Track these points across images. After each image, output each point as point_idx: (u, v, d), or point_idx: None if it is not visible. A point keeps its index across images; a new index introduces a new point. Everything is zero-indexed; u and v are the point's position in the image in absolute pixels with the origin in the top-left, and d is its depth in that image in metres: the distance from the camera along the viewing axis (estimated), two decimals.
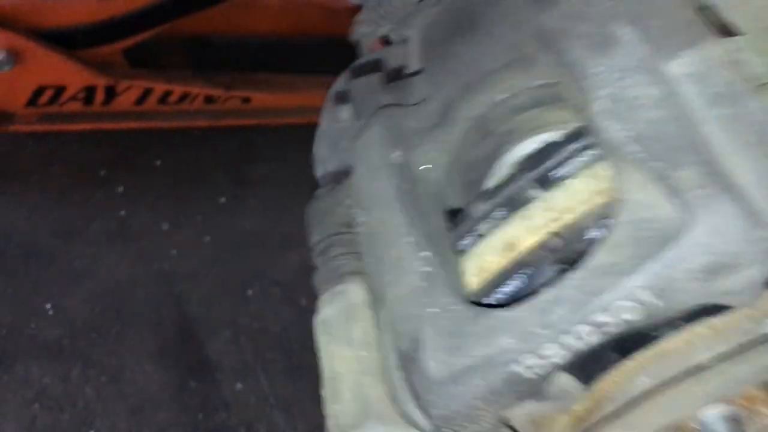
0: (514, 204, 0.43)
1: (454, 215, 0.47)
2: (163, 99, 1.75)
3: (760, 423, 0.43)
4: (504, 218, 0.43)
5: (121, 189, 1.76)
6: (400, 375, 0.41)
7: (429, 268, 0.41)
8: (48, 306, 1.53)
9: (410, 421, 0.41)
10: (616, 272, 0.35)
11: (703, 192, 0.34)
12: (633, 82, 0.37)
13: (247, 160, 1.88)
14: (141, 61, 1.78)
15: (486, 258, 0.43)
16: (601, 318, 0.35)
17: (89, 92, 1.71)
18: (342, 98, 0.57)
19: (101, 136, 1.75)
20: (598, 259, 0.36)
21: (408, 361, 0.40)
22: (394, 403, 0.43)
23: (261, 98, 1.82)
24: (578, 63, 0.40)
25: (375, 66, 0.57)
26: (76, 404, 1.41)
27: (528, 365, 0.36)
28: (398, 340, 0.41)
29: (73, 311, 1.53)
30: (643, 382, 0.39)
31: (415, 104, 0.49)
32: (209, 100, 1.78)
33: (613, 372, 0.40)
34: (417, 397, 0.40)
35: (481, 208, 0.45)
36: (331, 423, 0.46)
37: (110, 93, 1.72)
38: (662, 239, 0.34)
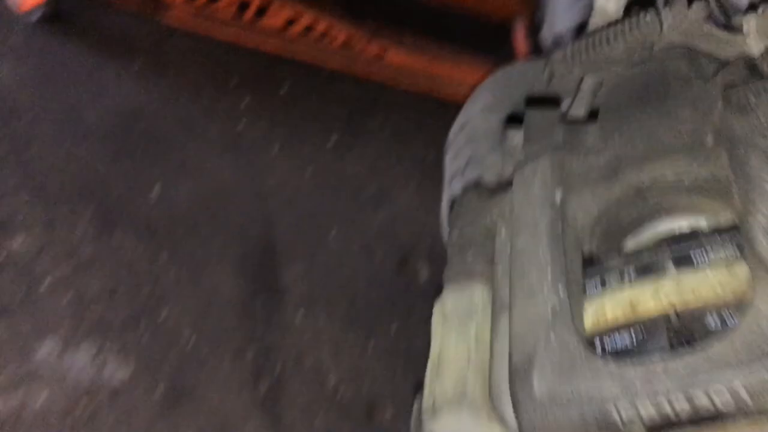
0: (647, 271, 0.48)
1: (587, 260, 0.53)
2: (307, 31, 1.84)
3: None
4: (633, 279, 0.49)
5: (245, 102, 1.87)
6: (506, 379, 0.48)
7: (559, 303, 0.47)
8: (156, 190, 1.65)
9: (502, 420, 0.48)
10: (725, 365, 0.41)
11: None
12: None
13: (365, 110, 1.96)
14: None
15: (607, 307, 0.49)
16: (698, 397, 0.41)
17: (244, 4, 1.80)
18: (514, 121, 0.63)
19: (240, 51, 1.85)
20: (713, 349, 0.41)
21: (518, 372, 0.47)
22: (490, 400, 0.50)
23: (396, 55, 1.88)
24: (752, 175, 0.45)
25: (553, 101, 0.62)
26: (156, 284, 1.53)
27: (621, 413, 0.42)
28: (514, 352, 0.48)
29: (176, 202, 1.64)
30: None
31: (585, 152, 0.55)
32: (347, 44, 1.85)
33: None
34: (516, 405, 0.47)
35: (615, 262, 0.50)
36: (427, 395, 0.53)
37: (262, 10, 1.81)
38: None
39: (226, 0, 1.78)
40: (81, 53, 1.81)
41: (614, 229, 0.54)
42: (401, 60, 1.89)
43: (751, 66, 0.55)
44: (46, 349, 1.38)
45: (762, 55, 0.56)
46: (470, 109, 0.82)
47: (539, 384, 0.46)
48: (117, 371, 1.41)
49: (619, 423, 0.42)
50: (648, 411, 0.42)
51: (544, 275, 0.49)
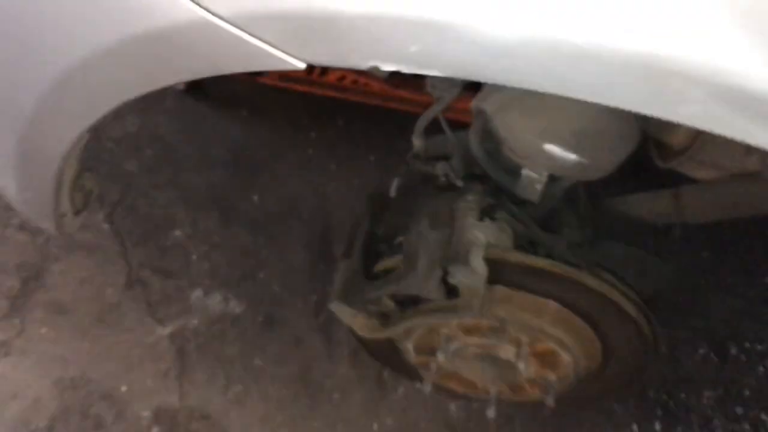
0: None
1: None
2: (353, 82, 2.72)
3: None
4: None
5: (314, 134, 2.79)
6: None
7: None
8: (255, 197, 2.61)
9: None
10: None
11: None
12: None
13: (396, 136, 2.82)
14: None
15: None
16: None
17: (312, 67, 2.70)
18: None
19: (309, 98, 2.73)
20: None
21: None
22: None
23: (417, 97, 2.73)
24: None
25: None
26: (257, 257, 2.49)
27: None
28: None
29: (269, 204, 2.60)
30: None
31: None
32: (381, 91, 2.72)
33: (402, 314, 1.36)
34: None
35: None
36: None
37: (324, 71, 2.71)
38: None
39: None
40: (210, 108, 2.79)
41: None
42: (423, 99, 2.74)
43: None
44: (195, 295, 2.38)
45: None
46: None
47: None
48: (235, 308, 2.38)
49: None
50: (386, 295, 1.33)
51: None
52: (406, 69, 0.70)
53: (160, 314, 2.32)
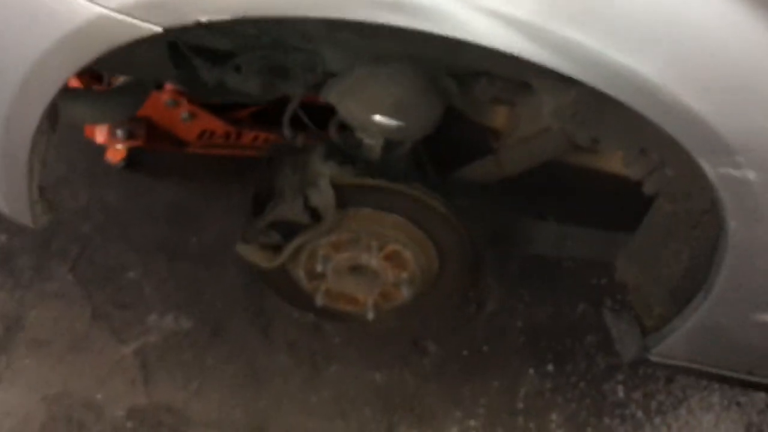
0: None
1: None
2: (266, 140, 3.32)
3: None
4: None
5: (236, 186, 3.36)
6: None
7: None
8: (194, 239, 3.14)
9: None
10: None
11: None
12: None
13: None
14: (259, 119, 3.35)
15: None
16: None
17: (228, 134, 3.30)
18: None
19: (229, 158, 3.33)
20: None
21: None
22: None
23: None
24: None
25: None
26: (201, 283, 2.99)
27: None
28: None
29: (204, 242, 3.12)
30: None
31: None
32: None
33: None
34: None
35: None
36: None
37: (238, 135, 3.31)
38: None
39: (217, 134, 3.30)
40: (147, 177, 3.34)
41: None
42: None
43: None
44: (151, 318, 2.85)
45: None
46: None
47: None
48: (186, 324, 2.86)
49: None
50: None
51: None
52: (221, 17, 1.26)
53: (123, 337, 2.79)
